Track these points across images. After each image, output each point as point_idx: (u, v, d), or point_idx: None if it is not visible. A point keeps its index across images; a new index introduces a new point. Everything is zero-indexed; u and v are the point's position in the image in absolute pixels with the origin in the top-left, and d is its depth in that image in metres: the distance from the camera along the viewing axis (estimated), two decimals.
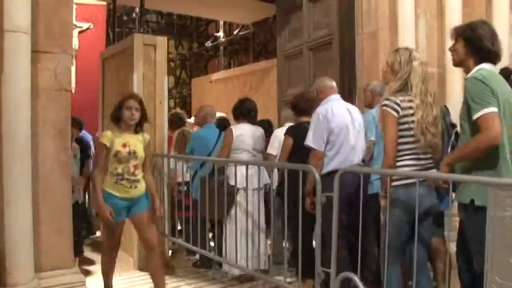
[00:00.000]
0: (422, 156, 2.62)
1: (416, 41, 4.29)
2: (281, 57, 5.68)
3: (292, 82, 5.51)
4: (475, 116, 2.26)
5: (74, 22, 7.63)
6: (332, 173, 3.01)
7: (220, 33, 12.26)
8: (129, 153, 3.13)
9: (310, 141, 3.33)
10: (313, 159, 3.32)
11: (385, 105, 2.60)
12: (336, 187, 2.75)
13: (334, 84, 3.59)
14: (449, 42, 4.32)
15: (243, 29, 11.63)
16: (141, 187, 3.21)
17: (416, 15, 4.31)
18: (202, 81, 11.88)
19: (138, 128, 3.26)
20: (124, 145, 3.13)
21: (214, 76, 11.37)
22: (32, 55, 2.75)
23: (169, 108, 6.79)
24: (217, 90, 10.85)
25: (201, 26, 13.75)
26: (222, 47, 12.49)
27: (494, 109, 2.23)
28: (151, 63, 4.36)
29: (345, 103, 3.56)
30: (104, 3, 8.96)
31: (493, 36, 2.45)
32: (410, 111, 2.58)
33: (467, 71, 2.47)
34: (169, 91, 12.27)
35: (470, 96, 2.31)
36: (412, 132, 2.58)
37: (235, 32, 12.02)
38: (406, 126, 2.58)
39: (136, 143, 3.19)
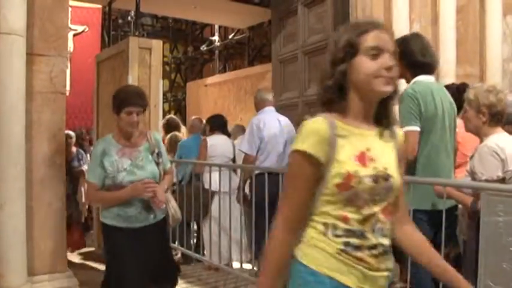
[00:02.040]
0: None
1: None
2: (276, 61, 5.69)
3: (287, 87, 5.51)
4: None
5: (69, 25, 7.63)
6: (261, 174, 3.43)
7: (216, 37, 12.27)
8: (376, 178, 1.26)
9: (242, 147, 3.90)
10: (244, 162, 3.88)
11: None
12: None
13: (271, 97, 4.09)
14: (444, 48, 4.38)
15: (238, 33, 11.65)
16: (390, 264, 1.32)
17: (411, 20, 4.34)
18: (197, 85, 11.88)
19: (385, 116, 1.36)
20: (361, 156, 1.27)
21: (209, 80, 11.38)
22: (27, 58, 2.74)
23: (164, 112, 6.80)
24: (212, 94, 10.86)
25: (196, 29, 13.76)
26: (217, 51, 12.50)
27: (415, 128, 2.44)
28: (146, 67, 4.36)
29: (277, 114, 4.03)
30: (99, 6, 8.95)
31: (424, 48, 2.60)
32: None
33: (407, 82, 2.64)
34: (164, 95, 12.27)
35: (400, 110, 2.55)
36: None
37: (230, 36, 12.04)
38: None
39: (385, 151, 1.32)
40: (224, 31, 12.40)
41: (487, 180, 2.19)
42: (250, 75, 9.84)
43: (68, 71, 7.70)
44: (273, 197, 3.10)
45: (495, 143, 2.23)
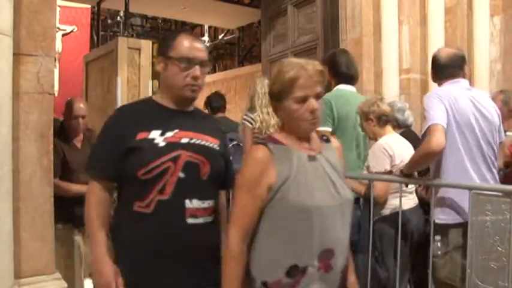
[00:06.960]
0: None
1: (399, 47, 4.34)
2: (266, 62, 5.69)
3: None
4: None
5: (58, 25, 7.57)
6: None
7: (205, 38, 12.23)
8: None
9: None
10: None
11: (244, 119, 3.44)
12: None
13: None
14: (433, 49, 4.41)
15: (228, 33, 11.64)
16: None
17: (400, 22, 4.36)
18: None
19: None
20: None
21: None
22: (14, 58, 2.70)
23: None
24: (201, 94, 10.82)
25: (186, 30, 13.72)
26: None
27: (327, 128, 2.83)
28: (135, 67, 4.34)
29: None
30: (88, 6, 8.89)
31: (349, 62, 3.10)
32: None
33: (331, 89, 3.08)
34: (154, 94, 12.19)
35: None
36: None
37: (220, 37, 12.03)
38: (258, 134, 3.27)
39: None
40: (214, 32, 12.38)
41: (377, 173, 2.62)
42: (240, 76, 9.84)
43: (57, 71, 7.64)
44: None
45: (385, 141, 2.63)
